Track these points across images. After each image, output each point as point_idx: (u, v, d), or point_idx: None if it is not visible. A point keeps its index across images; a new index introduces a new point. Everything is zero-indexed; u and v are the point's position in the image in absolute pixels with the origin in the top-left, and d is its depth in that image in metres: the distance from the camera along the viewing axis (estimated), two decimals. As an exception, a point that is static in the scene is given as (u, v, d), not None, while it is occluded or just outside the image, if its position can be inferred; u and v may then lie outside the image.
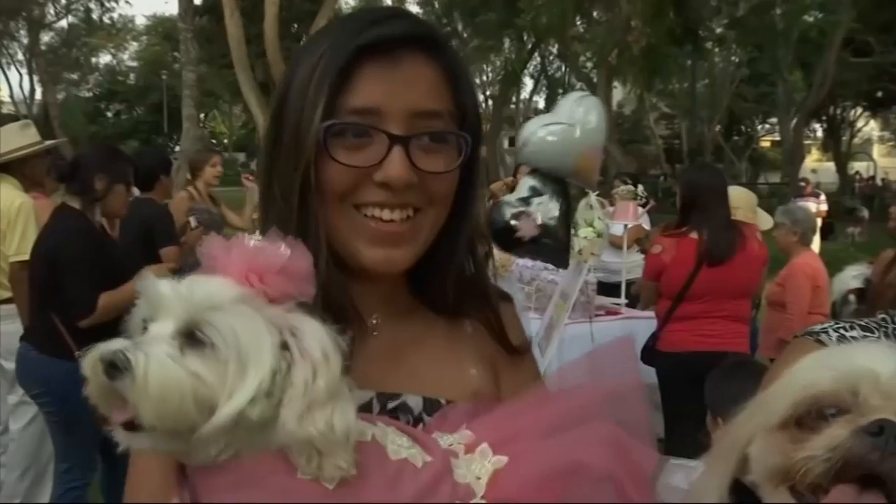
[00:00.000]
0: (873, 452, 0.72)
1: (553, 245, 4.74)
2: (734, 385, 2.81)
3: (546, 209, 4.59)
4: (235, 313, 0.84)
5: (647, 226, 7.81)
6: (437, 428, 1.00)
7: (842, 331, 1.17)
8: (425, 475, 0.90)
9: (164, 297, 0.85)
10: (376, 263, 1.05)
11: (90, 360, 0.82)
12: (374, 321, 1.11)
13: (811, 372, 0.81)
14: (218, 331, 0.82)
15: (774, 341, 5.77)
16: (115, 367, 0.80)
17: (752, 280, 4.81)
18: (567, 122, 4.66)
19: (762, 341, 6.05)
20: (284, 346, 0.85)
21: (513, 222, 4.52)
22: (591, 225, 6.03)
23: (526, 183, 4.65)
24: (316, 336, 0.85)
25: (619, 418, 0.97)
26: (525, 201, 4.59)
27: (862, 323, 1.20)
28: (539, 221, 4.52)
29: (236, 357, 0.82)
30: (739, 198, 5.75)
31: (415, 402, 1.06)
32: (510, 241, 4.67)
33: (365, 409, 1.01)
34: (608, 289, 6.77)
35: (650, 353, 4.88)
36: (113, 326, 0.89)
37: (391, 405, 1.05)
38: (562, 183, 5.28)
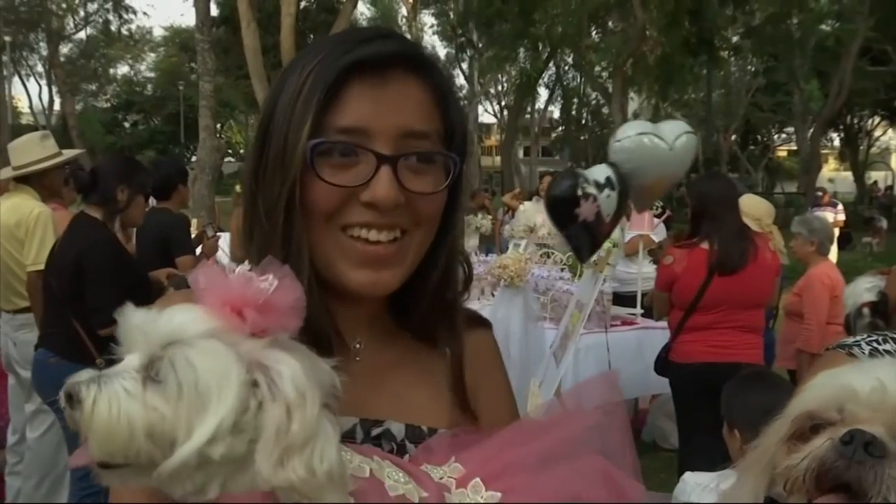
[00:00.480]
0: (840, 460, 0.75)
1: (589, 241, 4.70)
2: (751, 396, 2.80)
3: (610, 204, 4.56)
4: (199, 349, 0.81)
5: (661, 235, 7.78)
6: (425, 460, 0.98)
7: (874, 343, 1.16)
8: None
9: (135, 328, 0.83)
10: (362, 286, 1.03)
11: (63, 392, 0.82)
12: (357, 345, 1.10)
13: (809, 391, 0.84)
14: (173, 367, 0.80)
15: (792, 352, 5.74)
16: (72, 400, 0.80)
17: (765, 290, 4.76)
18: (667, 144, 4.70)
19: (779, 352, 6.01)
20: (256, 384, 0.82)
21: (587, 189, 4.46)
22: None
23: (605, 171, 4.63)
24: (291, 375, 0.82)
25: (604, 450, 0.97)
26: (600, 187, 4.55)
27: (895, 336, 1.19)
28: (598, 212, 4.49)
29: (194, 394, 0.79)
30: (758, 207, 5.73)
31: (397, 430, 1.05)
32: (565, 214, 4.62)
33: (348, 435, 1.00)
34: (619, 299, 6.74)
35: (663, 363, 4.86)
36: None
37: (375, 432, 1.04)
38: (624, 189, 5.28)
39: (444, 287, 1.11)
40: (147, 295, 4.02)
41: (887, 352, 1.15)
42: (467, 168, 1.11)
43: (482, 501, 0.92)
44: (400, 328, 1.13)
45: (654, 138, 4.86)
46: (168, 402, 0.79)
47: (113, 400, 0.78)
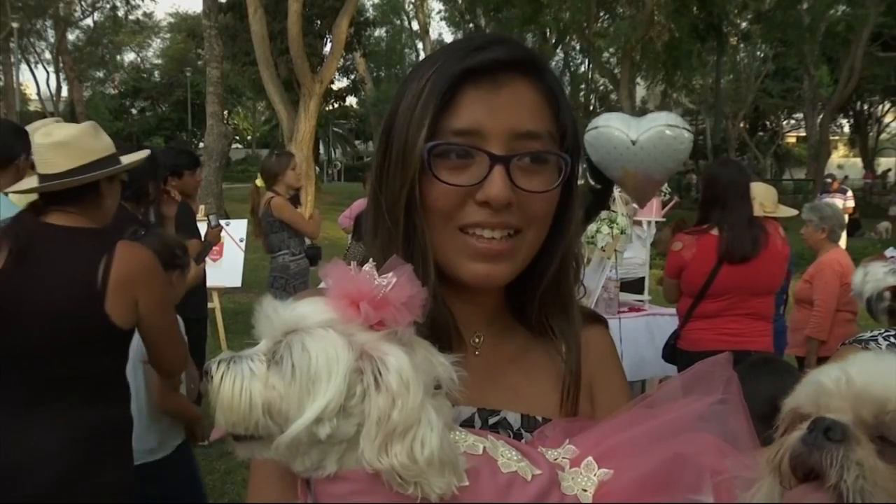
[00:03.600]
0: (804, 447, 0.80)
1: None
2: (756, 382, 2.78)
3: None
4: (314, 336, 0.89)
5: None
6: (540, 444, 1.03)
7: (892, 338, 1.16)
8: (534, 487, 0.94)
9: (265, 316, 0.93)
10: (476, 278, 1.07)
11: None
12: (477, 339, 1.16)
13: (797, 388, 0.89)
14: (290, 351, 0.88)
15: (801, 339, 5.72)
16: (206, 375, 0.91)
17: (775, 277, 4.72)
18: (630, 137, 4.64)
19: (790, 339, 5.98)
20: (362, 372, 0.89)
21: None
22: (613, 221, 5.99)
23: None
24: (396, 366, 0.88)
25: (718, 433, 0.99)
26: None
27: None
28: None
29: (306, 376, 0.87)
30: (755, 189, 5.68)
31: (514, 419, 1.10)
32: None
33: (467, 423, 1.05)
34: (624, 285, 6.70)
35: (671, 350, 4.84)
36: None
37: (492, 420, 1.09)
38: (606, 184, 5.25)
39: (559, 283, 1.16)
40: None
41: None
42: (579, 167, 1.15)
43: (595, 478, 0.97)
44: (518, 323, 1.19)
45: (616, 131, 4.82)
46: (286, 383, 0.88)
47: (238, 377, 0.89)
